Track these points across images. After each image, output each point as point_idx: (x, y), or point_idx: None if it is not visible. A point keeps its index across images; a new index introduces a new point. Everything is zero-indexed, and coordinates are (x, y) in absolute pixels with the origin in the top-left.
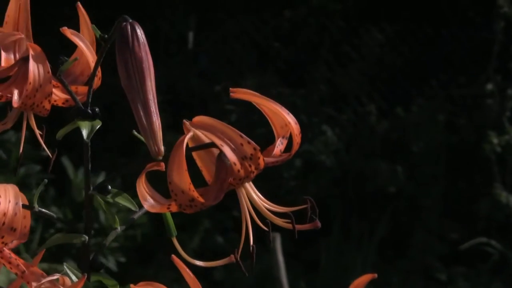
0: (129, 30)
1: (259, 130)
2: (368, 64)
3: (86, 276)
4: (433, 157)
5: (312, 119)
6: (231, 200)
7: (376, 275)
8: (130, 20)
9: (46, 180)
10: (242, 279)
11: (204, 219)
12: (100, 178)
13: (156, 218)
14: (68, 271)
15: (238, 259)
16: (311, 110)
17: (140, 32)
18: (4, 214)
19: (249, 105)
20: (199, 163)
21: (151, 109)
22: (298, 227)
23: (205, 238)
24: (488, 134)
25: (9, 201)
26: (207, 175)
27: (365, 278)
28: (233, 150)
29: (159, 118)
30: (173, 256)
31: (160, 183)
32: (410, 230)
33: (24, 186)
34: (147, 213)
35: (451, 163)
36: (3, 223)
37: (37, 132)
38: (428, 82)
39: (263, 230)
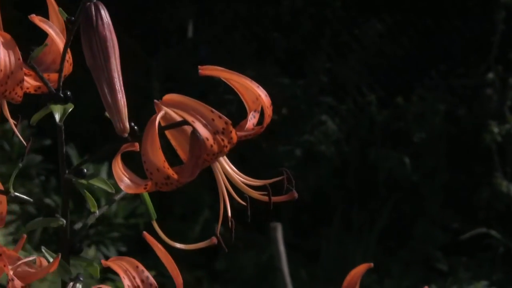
0: (93, 10)
1: None
2: (368, 54)
3: (60, 256)
4: (434, 147)
5: (312, 109)
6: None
7: (372, 264)
8: (94, 1)
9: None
10: (243, 268)
11: (204, 209)
12: (104, 168)
13: (156, 208)
14: (46, 254)
15: (218, 234)
16: (311, 100)
17: (104, 12)
18: None
19: None
20: (173, 142)
21: (116, 86)
22: (274, 199)
23: (205, 227)
24: (489, 124)
25: None
26: (182, 154)
27: (362, 268)
28: (205, 126)
29: (124, 96)
30: (145, 232)
31: (135, 166)
32: (411, 220)
33: (25, 176)
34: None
35: (451, 153)
36: None
37: (12, 121)
38: (428, 73)
39: (263, 220)
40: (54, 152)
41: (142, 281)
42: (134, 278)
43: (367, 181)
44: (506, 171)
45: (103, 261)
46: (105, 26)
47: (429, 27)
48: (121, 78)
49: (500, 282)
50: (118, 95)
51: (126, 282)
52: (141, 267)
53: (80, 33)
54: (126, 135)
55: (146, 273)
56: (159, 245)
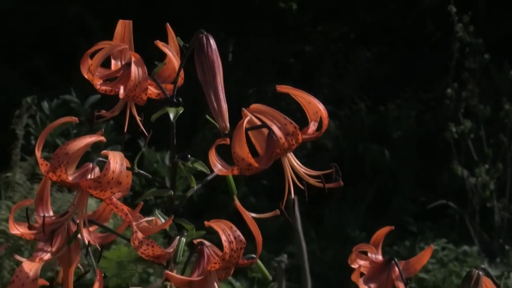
0: (204, 40)
1: None
2: (360, 74)
3: (172, 217)
4: (407, 143)
5: None
6: (262, 172)
7: (393, 227)
8: (205, 33)
9: (143, 150)
10: (268, 228)
11: (242, 185)
12: (167, 155)
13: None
14: (159, 216)
15: (283, 208)
16: None
17: (212, 41)
18: (113, 171)
19: (273, 105)
20: (253, 140)
21: (220, 96)
22: (327, 185)
23: (242, 199)
24: (449, 125)
25: (117, 162)
26: (259, 149)
27: (385, 229)
28: (279, 128)
29: (226, 103)
30: (237, 202)
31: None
32: (390, 195)
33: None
34: (198, 177)
35: (420, 147)
36: (112, 178)
37: (138, 118)
38: (403, 88)
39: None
40: (129, 144)
41: (235, 238)
42: (229, 235)
43: (358, 167)
44: (461, 160)
45: (206, 222)
46: (213, 52)
47: (404, 54)
48: (224, 90)
49: (456, 240)
50: (222, 102)
51: (224, 237)
52: (234, 227)
53: (194, 56)
54: (227, 132)
55: (238, 232)
56: (246, 212)
